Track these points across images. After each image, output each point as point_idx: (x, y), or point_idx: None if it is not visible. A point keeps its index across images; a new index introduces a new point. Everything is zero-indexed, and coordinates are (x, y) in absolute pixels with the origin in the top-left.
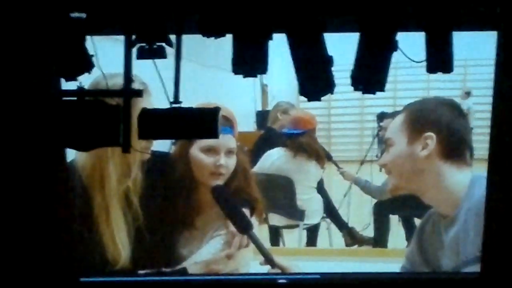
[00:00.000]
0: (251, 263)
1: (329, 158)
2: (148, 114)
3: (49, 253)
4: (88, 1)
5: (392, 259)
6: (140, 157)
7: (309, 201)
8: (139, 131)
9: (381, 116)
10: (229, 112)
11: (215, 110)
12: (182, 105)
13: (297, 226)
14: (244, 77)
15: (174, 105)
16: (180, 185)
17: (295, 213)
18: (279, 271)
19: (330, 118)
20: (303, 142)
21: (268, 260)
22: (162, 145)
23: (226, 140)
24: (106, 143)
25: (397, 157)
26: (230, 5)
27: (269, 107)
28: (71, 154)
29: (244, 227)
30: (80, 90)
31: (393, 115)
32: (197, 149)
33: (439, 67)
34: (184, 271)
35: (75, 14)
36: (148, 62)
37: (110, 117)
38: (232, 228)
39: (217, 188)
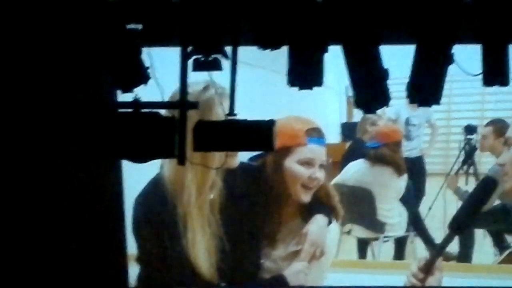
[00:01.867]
0: (328, 275)
1: None
2: (203, 126)
3: (99, 265)
4: (144, 13)
5: (477, 274)
6: (222, 170)
7: (389, 213)
8: (194, 143)
9: (468, 129)
10: (319, 125)
11: (271, 122)
12: (270, 116)
13: (377, 238)
14: (300, 89)
15: (229, 117)
16: (267, 196)
17: (376, 225)
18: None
19: None
20: (382, 153)
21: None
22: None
23: (321, 153)
24: (161, 155)
25: None
26: (286, 17)
27: (355, 119)
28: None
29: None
30: (136, 102)
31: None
32: (293, 161)
33: (495, 80)
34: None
35: (131, 26)
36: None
37: (165, 128)
38: (312, 239)
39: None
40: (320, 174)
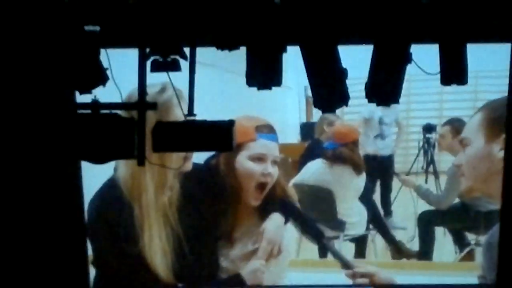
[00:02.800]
0: (286, 274)
1: None
2: (162, 126)
3: (60, 266)
4: (102, 14)
5: (437, 272)
6: (178, 168)
7: (349, 211)
8: (153, 143)
9: (427, 128)
10: (270, 122)
11: (230, 123)
12: (229, 117)
13: (338, 237)
14: (258, 89)
15: (188, 118)
16: (222, 195)
17: (336, 224)
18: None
19: None
20: (341, 152)
21: (348, 268)
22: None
23: (273, 149)
24: (121, 156)
25: (473, 157)
26: (244, 17)
27: (314, 119)
28: (109, 170)
29: (316, 235)
30: (95, 103)
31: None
32: (244, 157)
33: (453, 79)
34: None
35: (90, 27)
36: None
37: (124, 129)
38: (268, 237)
39: (286, 204)
40: (273, 170)
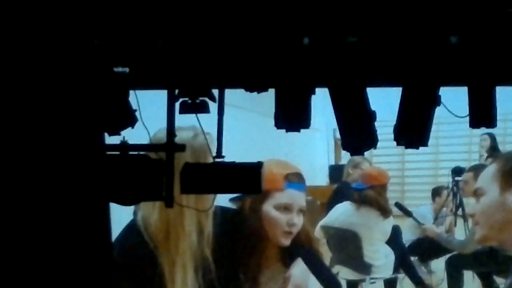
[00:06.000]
0: None
1: (409, 214)
2: (191, 168)
3: None
4: (131, 56)
5: None
6: (210, 212)
7: (375, 254)
8: (182, 185)
9: (456, 171)
10: (300, 170)
11: (259, 165)
12: (258, 159)
13: (364, 280)
14: (287, 131)
15: (217, 160)
16: (249, 241)
17: (362, 267)
18: None
19: (403, 172)
20: (368, 195)
21: None
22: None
23: (300, 198)
24: (149, 197)
25: (488, 207)
26: (273, 59)
27: (342, 161)
28: (129, 214)
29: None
30: (123, 145)
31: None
32: (270, 206)
33: (482, 122)
34: None
35: (119, 69)
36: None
37: (153, 171)
38: (295, 283)
39: (303, 253)
40: (298, 220)
